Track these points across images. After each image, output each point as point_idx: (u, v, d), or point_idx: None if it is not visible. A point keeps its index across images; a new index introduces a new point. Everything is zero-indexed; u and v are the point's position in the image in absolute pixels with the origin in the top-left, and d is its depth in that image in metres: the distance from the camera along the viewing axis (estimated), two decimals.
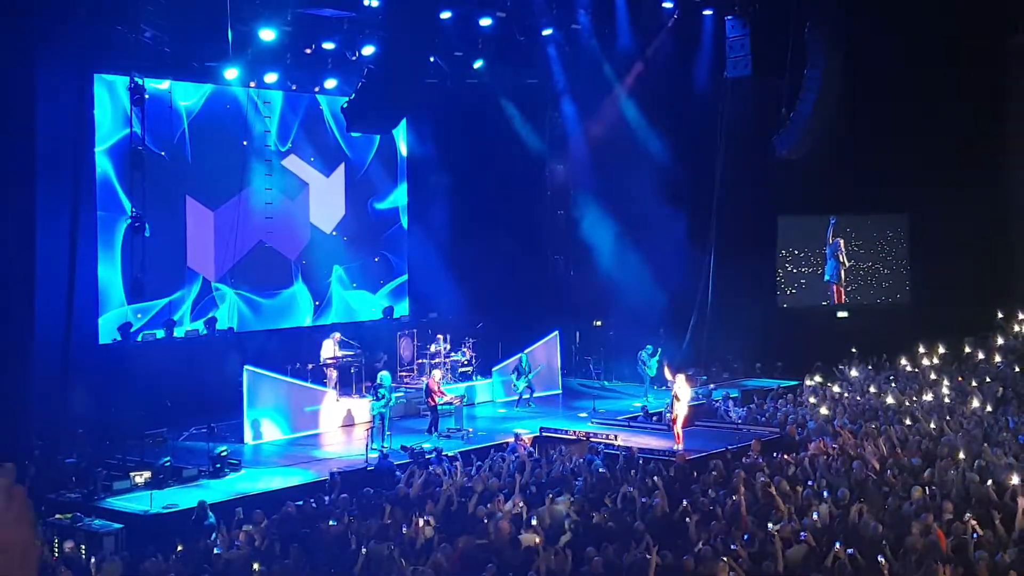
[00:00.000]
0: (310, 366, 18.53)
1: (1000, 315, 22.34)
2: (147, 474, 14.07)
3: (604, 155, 22.78)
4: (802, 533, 10.11)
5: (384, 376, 16.48)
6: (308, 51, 19.34)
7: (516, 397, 19.84)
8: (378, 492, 12.56)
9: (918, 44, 21.40)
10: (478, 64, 21.21)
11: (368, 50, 18.60)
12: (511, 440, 15.98)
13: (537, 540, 10.20)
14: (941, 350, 21.08)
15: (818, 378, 19.89)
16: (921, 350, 20.96)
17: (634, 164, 22.21)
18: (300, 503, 12.35)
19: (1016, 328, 22.15)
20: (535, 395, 19.92)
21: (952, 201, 21.83)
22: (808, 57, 20.69)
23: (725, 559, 9.26)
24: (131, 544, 11.69)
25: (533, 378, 19.82)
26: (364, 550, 9.66)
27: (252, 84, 19.52)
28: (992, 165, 22.58)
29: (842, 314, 24.24)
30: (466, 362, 20.42)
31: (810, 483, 12.22)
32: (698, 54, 22.15)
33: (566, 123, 23.24)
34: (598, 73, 22.44)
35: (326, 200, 21.76)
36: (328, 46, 19.39)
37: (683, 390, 16.21)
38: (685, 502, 11.48)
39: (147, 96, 17.53)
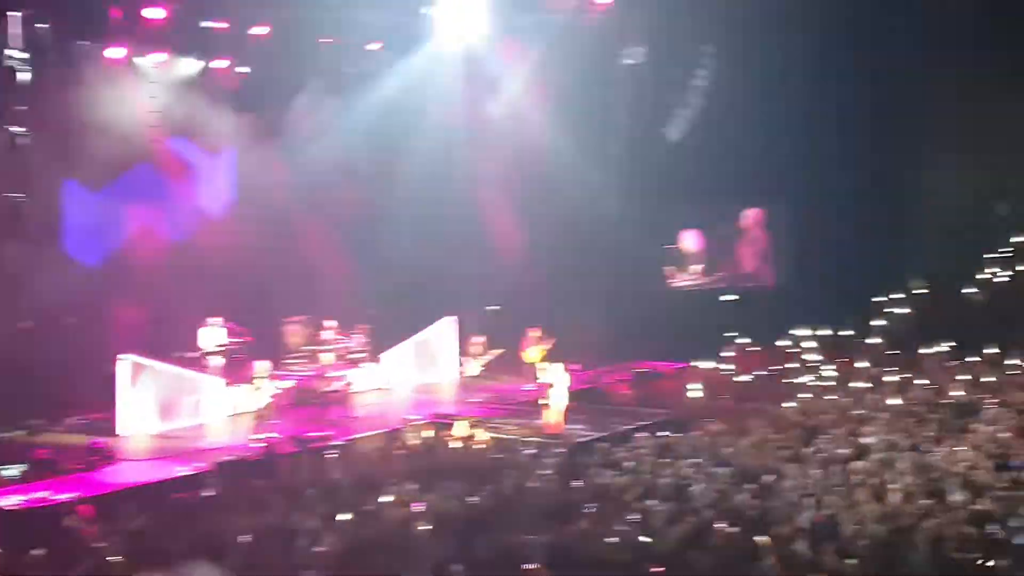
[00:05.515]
0: (194, 354, 17.93)
1: (880, 298, 23.07)
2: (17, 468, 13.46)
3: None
4: (686, 510, 10.25)
5: (261, 365, 16.11)
6: (197, 28, 18.75)
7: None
8: (262, 483, 12.27)
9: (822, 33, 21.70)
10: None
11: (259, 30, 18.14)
12: (403, 426, 15.83)
13: (428, 528, 10.10)
14: (823, 332, 21.73)
15: (702, 360, 20.29)
16: (804, 332, 21.57)
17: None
18: (180, 495, 11.96)
19: (895, 310, 22.95)
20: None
21: (838, 188, 22.44)
22: (700, 45, 21.02)
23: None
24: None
25: (486, 364, 19.28)
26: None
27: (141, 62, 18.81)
28: (877, 150, 23.09)
29: (728, 297, 24.76)
30: (357, 348, 20.12)
31: (695, 461, 12.43)
32: (592, 39, 22.15)
33: None
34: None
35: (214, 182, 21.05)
36: (219, 25, 18.80)
37: (559, 378, 16.05)
38: (573, 484, 11.55)
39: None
